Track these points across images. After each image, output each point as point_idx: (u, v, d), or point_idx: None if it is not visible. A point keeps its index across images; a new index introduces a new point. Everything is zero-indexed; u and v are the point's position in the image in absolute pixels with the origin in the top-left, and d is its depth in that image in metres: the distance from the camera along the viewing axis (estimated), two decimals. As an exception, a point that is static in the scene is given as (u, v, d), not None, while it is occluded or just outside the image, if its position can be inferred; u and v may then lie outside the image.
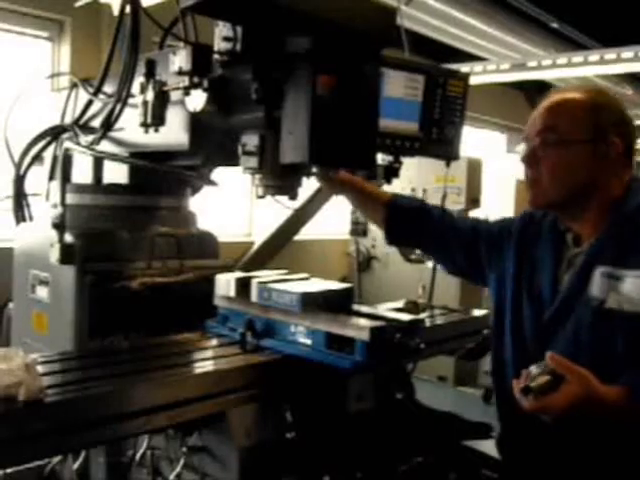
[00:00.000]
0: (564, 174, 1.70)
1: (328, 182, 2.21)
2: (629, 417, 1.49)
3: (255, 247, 5.73)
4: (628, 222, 1.66)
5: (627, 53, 5.10)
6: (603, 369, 1.50)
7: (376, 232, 6.51)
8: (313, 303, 1.83)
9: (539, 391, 1.45)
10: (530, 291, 1.79)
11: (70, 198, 2.16)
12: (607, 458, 1.59)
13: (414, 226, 2.16)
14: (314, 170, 1.92)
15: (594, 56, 5.31)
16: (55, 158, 2.38)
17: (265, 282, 1.95)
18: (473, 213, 5.61)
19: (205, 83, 1.73)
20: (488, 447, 2.02)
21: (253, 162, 1.71)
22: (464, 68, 5.58)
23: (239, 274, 2.07)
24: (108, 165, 2.28)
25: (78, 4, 3.88)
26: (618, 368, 1.54)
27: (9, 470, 1.43)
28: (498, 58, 5.95)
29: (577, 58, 5.39)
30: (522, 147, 1.79)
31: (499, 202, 10.39)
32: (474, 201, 5.90)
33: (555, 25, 5.92)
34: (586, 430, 1.55)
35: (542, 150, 1.72)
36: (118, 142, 2.15)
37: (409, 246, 2.27)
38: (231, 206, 5.64)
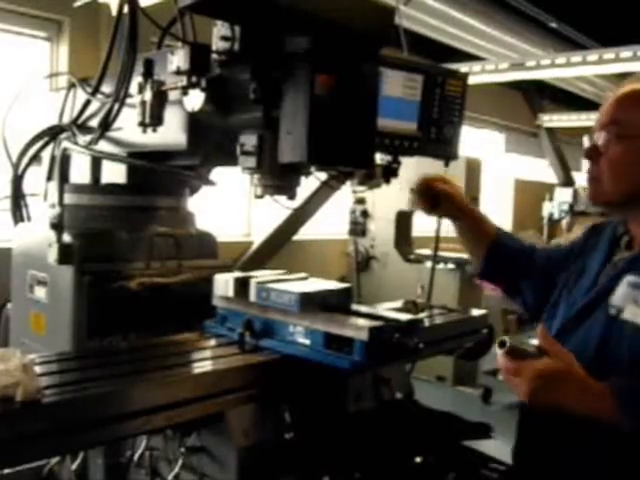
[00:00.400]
0: (625, 171, 1.61)
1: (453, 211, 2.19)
2: (600, 412, 1.43)
3: (254, 247, 5.73)
4: None
5: (626, 53, 5.10)
6: (604, 376, 1.46)
7: (375, 232, 6.51)
8: (312, 303, 1.82)
9: (518, 354, 1.44)
10: (569, 293, 1.76)
11: (68, 198, 2.16)
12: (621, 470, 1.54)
13: (511, 269, 2.08)
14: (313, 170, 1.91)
15: (593, 56, 5.31)
16: (53, 158, 2.37)
17: (264, 282, 1.95)
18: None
19: (203, 83, 1.73)
20: (487, 447, 2.02)
21: (251, 162, 1.71)
22: (463, 68, 5.58)
23: (238, 274, 2.07)
24: (106, 165, 2.28)
25: (77, 4, 3.88)
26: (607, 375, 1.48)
27: (7, 471, 1.42)
28: (497, 58, 5.95)
29: (576, 58, 5.39)
30: (585, 140, 1.70)
31: (498, 201, 10.42)
32: (473, 200, 5.90)
33: (554, 25, 5.93)
34: (601, 443, 1.51)
35: (605, 145, 1.63)
36: (116, 142, 2.15)
37: (497, 285, 2.19)
38: (230, 206, 5.64)
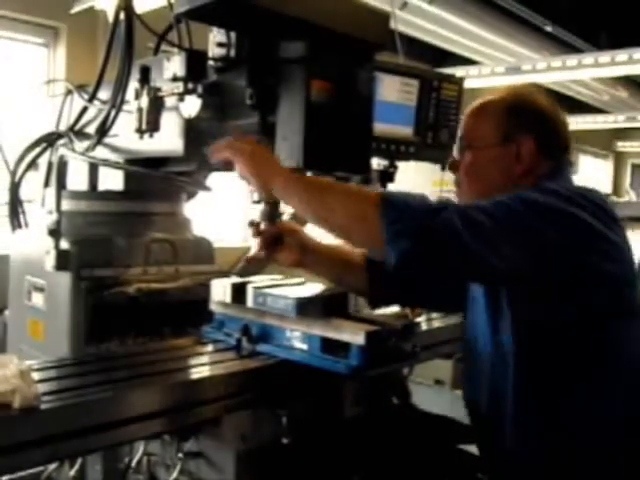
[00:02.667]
0: (476, 178, 1.79)
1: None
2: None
3: (251, 252, 5.72)
4: None
5: (621, 56, 5.12)
6: None
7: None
8: (309, 308, 1.82)
9: None
10: None
11: (65, 204, 2.16)
12: None
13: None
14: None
15: (588, 59, 5.33)
16: (50, 164, 2.38)
17: (260, 287, 1.95)
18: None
19: (199, 89, 1.74)
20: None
21: (247, 167, 1.71)
22: (459, 72, 5.59)
23: (235, 279, 2.07)
24: (103, 171, 2.29)
25: (74, 11, 3.89)
26: None
27: (5, 478, 1.42)
28: (493, 61, 5.97)
29: (571, 61, 5.41)
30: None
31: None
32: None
33: (549, 28, 5.94)
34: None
35: (460, 156, 1.83)
36: (113, 148, 2.16)
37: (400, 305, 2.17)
38: (226, 211, 5.64)
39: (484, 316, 1.72)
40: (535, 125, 1.74)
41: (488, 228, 1.46)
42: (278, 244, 1.93)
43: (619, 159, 12.26)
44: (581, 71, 5.54)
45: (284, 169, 1.64)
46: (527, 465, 1.63)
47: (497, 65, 5.80)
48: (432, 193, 5.14)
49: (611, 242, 1.55)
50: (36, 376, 1.51)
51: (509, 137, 1.73)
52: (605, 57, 5.20)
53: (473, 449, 1.94)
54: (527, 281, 1.54)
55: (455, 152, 1.87)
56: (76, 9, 3.88)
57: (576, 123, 8.41)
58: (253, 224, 1.86)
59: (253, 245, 1.89)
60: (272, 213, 1.78)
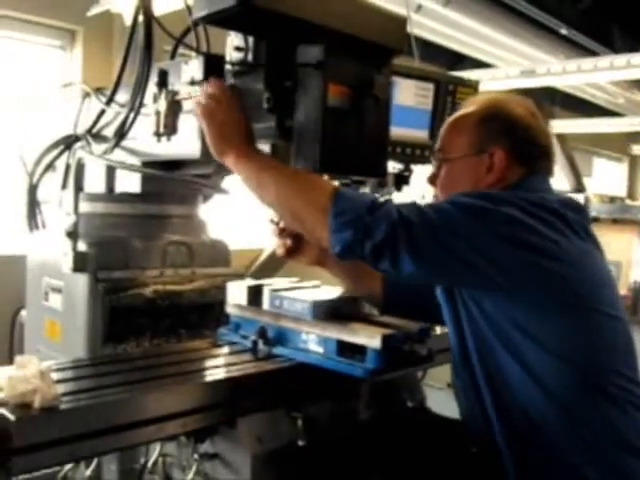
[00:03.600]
0: (450, 190, 1.78)
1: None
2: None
3: (265, 254, 5.74)
4: None
5: (637, 59, 5.08)
6: None
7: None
8: (324, 311, 1.83)
9: None
10: None
11: (83, 207, 2.18)
12: None
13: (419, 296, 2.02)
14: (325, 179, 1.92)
15: (604, 62, 5.29)
16: (68, 167, 2.40)
17: (277, 290, 1.96)
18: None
19: (217, 93, 1.74)
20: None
21: (265, 171, 1.71)
22: (473, 75, 5.58)
23: (251, 282, 2.08)
24: (120, 174, 2.30)
25: (90, 14, 3.92)
26: None
27: (22, 477, 1.43)
28: (507, 65, 5.95)
29: (587, 64, 5.37)
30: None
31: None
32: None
33: (564, 31, 5.91)
34: None
35: (437, 169, 1.86)
36: (130, 151, 2.17)
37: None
38: (241, 214, 5.65)
39: (450, 320, 1.76)
40: (506, 134, 1.75)
41: (422, 224, 1.52)
42: (298, 242, 1.99)
43: (634, 162, 12.18)
44: (596, 74, 5.51)
45: (242, 145, 1.68)
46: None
47: (512, 68, 5.78)
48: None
49: (549, 239, 1.56)
50: (55, 377, 1.53)
51: (481, 148, 1.75)
52: (621, 60, 5.16)
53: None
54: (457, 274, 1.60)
55: (433, 166, 1.90)
56: (93, 12, 3.90)
57: (591, 126, 8.37)
58: (273, 222, 1.94)
59: (273, 244, 1.92)
60: None
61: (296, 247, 2.01)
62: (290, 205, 1.65)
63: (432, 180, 1.89)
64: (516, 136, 1.75)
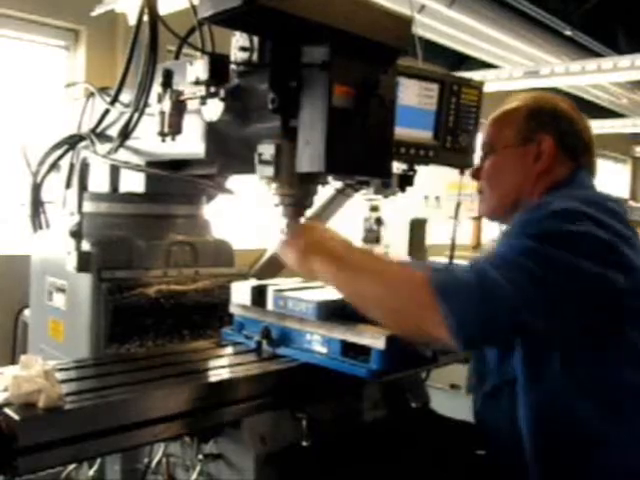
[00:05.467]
0: (497, 182, 1.85)
1: None
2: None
3: (268, 254, 5.73)
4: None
5: (641, 60, 5.08)
6: None
7: (389, 239, 6.49)
8: (329, 311, 1.83)
9: None
10: None
11: (87, 206, 2.17)
12: None
13: None
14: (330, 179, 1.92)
15: (607, 63, 5.29)
16: (72, 166, 2.40)
17: (281, 290, 1.96)
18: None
19: (222, 93, 1.74)
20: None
21: (269, 171, 1.71)
22: (477, 76, 5.58)
23: (255, 282, 2.08)
24: (124, 173, 2.30)
25: (94, 14, 3.92)
26: None
27: (25, 477, 1.43)
28: (511, 65, 5.94)
29: (590, 65, 5.37)
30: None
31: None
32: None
33: (568, 32, 5.91)
34: None
35: (482, 163, 1.90)
36: (134, 151, 2.17)
37: None
38: (244, 213, 5.65)
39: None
40: (553, 125, 1.79)
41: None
42: None
43: (637, 164, 12.17)
44: (600, 75, 5.50)
45: (322, 255, 1.66)
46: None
47: (515, 69, 5.77)
48: (447, 196, 5.15)
49: (623, 254, 1.55)
50: (59, 376, 1.52)
51: (529, 138, 1.79)
52: (625, 61, 5.16)
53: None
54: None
55: (478, 160, 1.93)
56: (97, 12, 3.90)
57: (594, 127, 8.36)
58: None
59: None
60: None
61: None
62: (387, 305, 1.61)
63: (475, 174, 1.93)
64: (562, 127, 1.80)
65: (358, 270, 1.64)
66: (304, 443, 1.76)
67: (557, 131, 1.79)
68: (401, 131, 2.05)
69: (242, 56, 1.70)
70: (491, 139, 1.89)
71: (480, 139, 1.95)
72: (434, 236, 6.40)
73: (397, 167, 2.36)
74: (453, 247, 2.70)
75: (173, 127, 1.85)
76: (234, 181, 2.32)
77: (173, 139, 1.87)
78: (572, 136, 1.81)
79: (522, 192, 1.80)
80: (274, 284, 2.04)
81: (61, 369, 1.67)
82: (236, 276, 2.25)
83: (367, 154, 1.71)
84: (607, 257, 1.52)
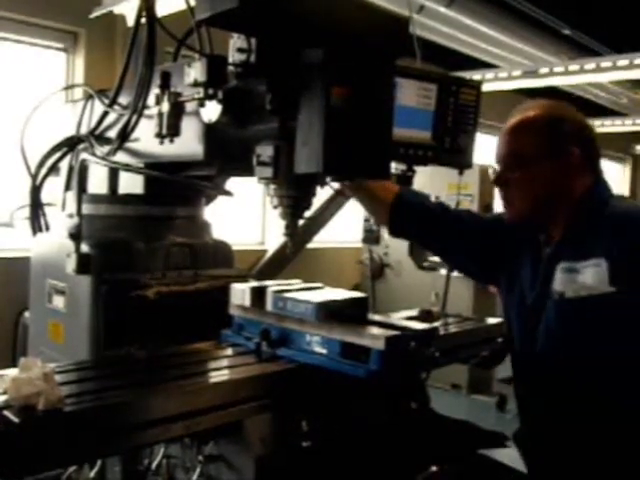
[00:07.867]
0: (531, 192, 1.86)
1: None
2: None
3: (268, 255, 5.74)
4: (583, 222, 1.83)
5: (640, 59, 5.09)
6: (571, 353, 1.77)
7: (389, 240, 6.50)
8: (328, 313, 1.83)
9: None
10: (515, 284, 1.99)
11: (86, 208, 2.17)
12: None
13: (417, 225, 2.23)
14: (328, 180, 1.92)
15: (606, 62, 5.30)
16: (71, 168, 2.40)
17: (280, 291, 1.96)
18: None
19: (220, 94, 1.74)
20: (503, 456, 2.02)
21: (268, 172, 1.71)
22: (475, 75, 5.58)
23: (254, 283, 2.08)
24: (123, 175, 2.30)
25: (92, 15, 3.92)
26: (579, 349, 1.76)
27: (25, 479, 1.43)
28: (509, 65, 5.95)
29: (589, 65, 5.37)
30: (491, 172, 2.02)
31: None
32: (486, 207, 5.89)
33: (567, 32, 5.91)
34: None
35: (509, 173, 1.89)
36: (133, 153, 2.17)
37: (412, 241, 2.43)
38: (243, 214, 5.66)
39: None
40: (578, 135, 1.83)
41: None
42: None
43: (637, 162, 12.17)
44: (599, 74, 5.51)
45: None
46: None
47: (514, 68, 5.78)
48: (448, 196, 5.15)
49: None
50: (58, 379, 1.52)
51: (557, 149, 1.82)
52: (623, 60, 5.16)
53: (492, 454, 1.93)
54: None
55: (502, 169, 1.93)
56: (96, 14, 3.90)
57: (595, 126, 8.35)
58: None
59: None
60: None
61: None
62: None
63: (498, 182, 1.94)
64: (584, 136, 1.85)
65: None
66: (304, 444, 1.76)
67: (581, 142, 1.83)
68: (400, 131, 2.05)
69: (240, 57, 1.70)
70: (515, 150, 1.89)
71: (499, 148, 1.94)
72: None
73: (396, 167, 2.36)
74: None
75: (171, 129, 1.86)
76: (233, 182, 2.32)
77: (171, 141, 1.88)
78: (593, 145, 1.87)
79: (561, 195, 1.85)
80: (273, 285, 2.04)
81: (61, 371, 1.67)
82: (235, 277, 2.25)
83: (365, 155, 1.71)
84: None
